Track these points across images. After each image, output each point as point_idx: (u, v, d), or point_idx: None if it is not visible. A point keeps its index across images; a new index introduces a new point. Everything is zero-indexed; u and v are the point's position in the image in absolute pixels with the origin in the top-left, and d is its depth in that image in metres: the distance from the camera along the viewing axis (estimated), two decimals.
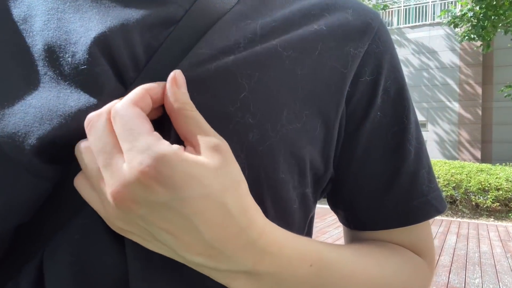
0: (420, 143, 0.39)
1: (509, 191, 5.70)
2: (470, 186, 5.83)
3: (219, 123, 0.28)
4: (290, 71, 0.32)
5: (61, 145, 0.26)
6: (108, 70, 0.27)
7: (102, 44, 0.27)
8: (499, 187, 5.72)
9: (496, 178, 5.84)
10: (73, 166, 0.27)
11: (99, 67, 0.27)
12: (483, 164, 6.63)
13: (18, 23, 0.29)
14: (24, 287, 0.27)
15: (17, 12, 0.29)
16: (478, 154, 9.92)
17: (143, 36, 0.29)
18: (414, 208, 0.37)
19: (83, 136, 0.26)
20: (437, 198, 0.38)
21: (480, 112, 10.01)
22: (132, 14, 0.29)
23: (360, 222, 0.38)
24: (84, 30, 0.28)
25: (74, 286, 0.27)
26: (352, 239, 0.41)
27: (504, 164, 6.64)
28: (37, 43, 0.28)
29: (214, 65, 0.29)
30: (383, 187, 0.37)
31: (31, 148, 0.25)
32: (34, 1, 0.30)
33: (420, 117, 10.54)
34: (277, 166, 0.30)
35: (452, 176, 5.99)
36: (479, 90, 10.04)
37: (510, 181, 5.77)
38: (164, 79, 0.28)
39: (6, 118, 0.25)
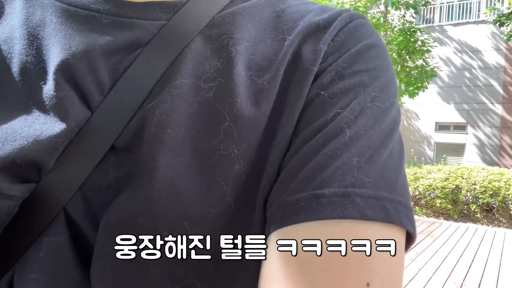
0: (366, 131, 0.29)
1: None
2: (509, 194, 5.51)
3: (203, 157, 0.28)
4: (267, 91, 0.30)
5: (23, 166, 0.27)
6: (72, 96, 0.28)
7: (65, 70, 0.29)
8: None
9: None
10: (39, 186, 0.28)
11: (62, 92, 0.28)
12: None
13: (1, 44, 0.30)
14: None
15: (1, 33, 0.31)
16: None
17: (108, 61, 0.29)
18: (319, 199, 0.26)
19: (45, 158, 0.27)
20: (368, 197, 0.26)
21: None
22: (97, 39, 0.30)
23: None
24: (52, 56, 0.29)
25: None
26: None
27: None
28: (14, 65, 0.29)
29: (197, 100, 0.29)
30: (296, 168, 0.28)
31: None
32: (15, 24, 0.31)
33: (460, 119, 10.06)
34: (257, 190, 0.29)
35: (489, 183, 5.68)
36: None
37: None
38: (129, 101, 0.29)
39: None
